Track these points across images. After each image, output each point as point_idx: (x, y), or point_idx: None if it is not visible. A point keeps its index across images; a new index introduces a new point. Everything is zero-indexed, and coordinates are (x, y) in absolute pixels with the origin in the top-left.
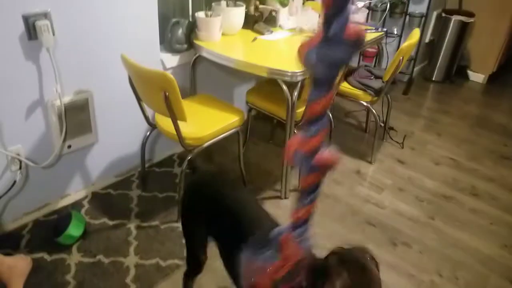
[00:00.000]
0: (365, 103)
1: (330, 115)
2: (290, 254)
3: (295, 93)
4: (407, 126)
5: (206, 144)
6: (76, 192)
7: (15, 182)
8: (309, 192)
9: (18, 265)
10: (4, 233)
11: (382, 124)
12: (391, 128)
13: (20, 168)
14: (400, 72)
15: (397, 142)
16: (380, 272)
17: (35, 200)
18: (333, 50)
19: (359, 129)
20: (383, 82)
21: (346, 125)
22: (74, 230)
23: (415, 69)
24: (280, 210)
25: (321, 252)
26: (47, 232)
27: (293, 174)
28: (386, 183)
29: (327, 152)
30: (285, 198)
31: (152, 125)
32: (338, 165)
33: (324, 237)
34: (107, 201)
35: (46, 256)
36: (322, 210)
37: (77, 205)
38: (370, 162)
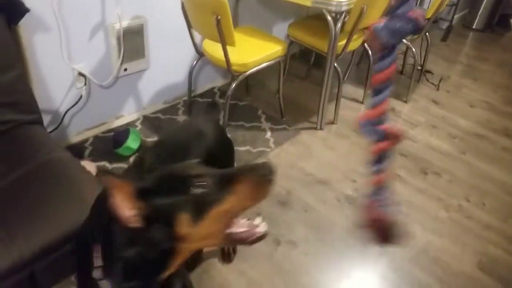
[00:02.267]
0: (405, 41)
1: (370, 52)
2: (375, 218)
3: (339, 24)
4: (443, 70)
5: (249, 72)
6: (129, 114)
7: (81, 97)
8: (380, 159)
9: (86, 167)
10: (70, 144)
11: (419, 67)
12: (428, 71)
13: (85, 84)
14: (440, 18)
15: (433, 84)
16: (409, 195)
17: (94, 118)
18: (398, 23)
19: (396, 71)
20: (425, 20)
21: None
22: (132, 142)
23: (456, 16)
24: (316, 138)
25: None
26: (107, 146)
27: (328, 109)
28: (419, 120)
29: (395, 126)
30: (321, 129)
31: (200, 53)
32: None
33: (358, 163)
34: (157, 124)
35: (107, 164)
36: (355, 141)
37: (130, 125)
38: (405, 101)
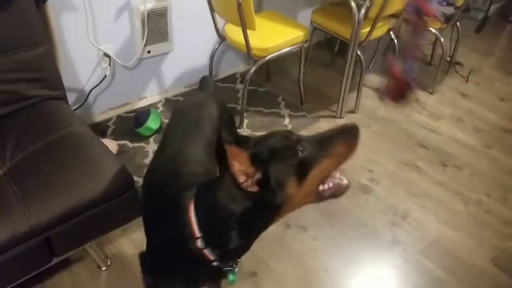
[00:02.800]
0: (434, 30)
1: (396, 42)
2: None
3: (362, 11)
4: (475, 63)
5: (270, 56)
6: (152, 95)
7: (105, 76)
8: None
9: (108, 144)
10: (94, 123)
11: (449, 58)
12: (458, 63)
13: (110, 65)
14: (474, 8)
15: (462, 76)
16: (426, 187)
17: (118, 98)
18: None
19: (423, 61)
20: (455, 8)
21: None
22: (152, 123)
23: (492, 7)
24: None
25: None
26: (129, 125)
27: (350, 97)
28: (445, 112)
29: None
30: (340, 117)
31: (222, 37)
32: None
33: (376, 153)
34: (178, 106)
35: (128, 143)
36: (375, 130)
37: (152, 107)
38: (431, 93)
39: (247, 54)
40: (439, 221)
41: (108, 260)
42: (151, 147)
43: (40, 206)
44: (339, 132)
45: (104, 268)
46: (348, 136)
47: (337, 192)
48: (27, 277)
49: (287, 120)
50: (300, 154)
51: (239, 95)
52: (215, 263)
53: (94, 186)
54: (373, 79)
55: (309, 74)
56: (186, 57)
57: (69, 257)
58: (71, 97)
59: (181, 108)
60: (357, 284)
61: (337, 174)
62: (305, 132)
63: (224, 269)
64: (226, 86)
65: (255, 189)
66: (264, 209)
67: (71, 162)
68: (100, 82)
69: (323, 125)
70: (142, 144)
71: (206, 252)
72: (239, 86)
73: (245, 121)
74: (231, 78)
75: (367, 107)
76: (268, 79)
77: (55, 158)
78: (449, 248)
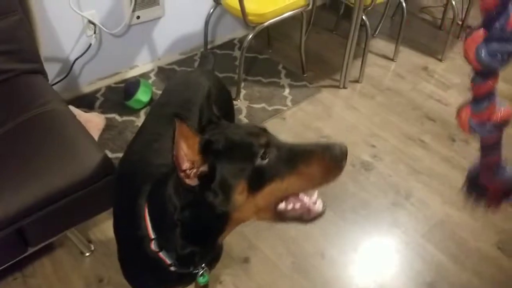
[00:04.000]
0: None
1: (404, 4)
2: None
3: None
4: None
5: (268, 23)
6: (143, 64)
7: (90, 45)
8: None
9: (94, 120)
10: (81, 94)
11: (460, 22)
12: (470, 27)
13: (95, 32)
14: None
15: None
16: (432, 163)
17: (107, 67)
18: (503, 45)
19: (433, 25)
20: None
21: (419, 21)
22: (142, 95)
23: None
24: (337, 98)
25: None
26: (118, 97)
27: (354, 65)
28: (454, 81)
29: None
30: (344, 87)
31: (216, 1)
32: None
33: (379, 127)
34: (171, 75)
35: (117, 117)
36: (380, 101)
37: (144, 76)
38: (440, 60)
39: (243, 20)
40: (444, 201)
41: (92, 245)
42: (142, 120)
43: (9, 195)
44: (321, 150)
45: (87, 254)
46: (330, 158)
47: (304, 216)
48: (1, 267)
49: (287, 91)
50: (259, 160)
51: (237, 63)
52: (172, 268)
53: (70, 171)
54: (380, 45)
55: (312, 39)
56: (179, 22)
57: (51, 243)
58: (54, 68)
59: (172, 85)
60: (355, 271)
61: (311, 197)
62: (306, 104)
63: (193, 272)
64: (223, 53)
65: (194, 182)
66: (207, 212)
67: (45, 145)
68: (85, 52)
69: (326, 96)
70: (132, 117)
71: (162, 255)
72: (237, 53)
73: (242, 92)
74: (229, 45)
75: (372, 76)
76: (268, 45)
77: (28, 140)
78: (453, 230)
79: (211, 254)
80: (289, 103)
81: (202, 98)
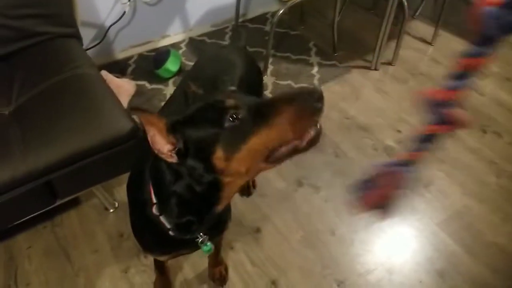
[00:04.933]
0: None
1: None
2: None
3: None
4: None
5: None
6: (175, 34)
7: (124, 12)
8: (426, 139)
9: (125, 85)
10: (114, 60)
11: None
12: None
13: (129, 0)
14: None
15: None
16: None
17: (140, 35)
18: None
19: (467, 3)
20: None
21: (464, 4)
22: (171, 65)
23: None
24: (367, 80)
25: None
26: (149, 65)
27: (389, 46)
28: (492, 70)
29: (461, 112)
30: (375, 69)
31: None
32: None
33: (408, 113)
34: (201, 47)
35: (147, 84)
36: (412, 86)
37: (175, 46)
38: None
39: None
40: (464, 192)
41: (116, 203)
42: (169, 90)
43: (40, 150)
44: (291, 96)
45: (111, 210)
46: (303, 101)
47: (298, 146)
48: (32, 215)
49: (315, 69)
50: (229, 122)
51: (268, 37)
52: (171, 233)
53: (97, 132)
54: (419, 28)
55: (347, 17)
56: None
57: (78, 197)
58: (89, 34)
59: (202, 59)
60: (363, 250)
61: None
62: (334, 84)
63: (196, 240)
64: (254, 27)
65: (174, 159)
66: (196, 183)
67: (75, 106)
68: (120, 19)
69: (355, 77)
70: (160, 86)
71: (162, 219)
72: (268, 27)
73: (270, 68)
74: (261, 19)
75: (406, 59)
76: (301, 21)
77: (59, 101)
78: (471, 222)
79: (209, 223)
80: (316, 82)
81: (230, 75)
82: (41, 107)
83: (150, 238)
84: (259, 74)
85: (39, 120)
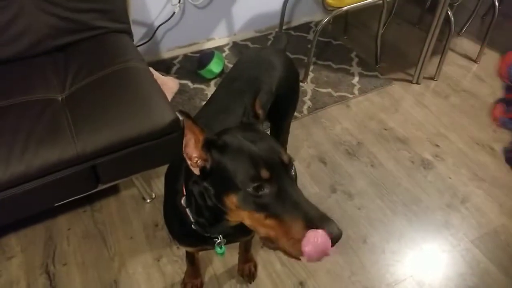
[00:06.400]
0: None
1: (497, 4)
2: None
3: None
4: None
5: (346, 8)
6: (220, 38)
7: (173, 13)
8: None
9: (169, 83)
10: (160, 59)
11: None
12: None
13: (179, 2)
14: None
15: None
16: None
17: (186, 36)
18: None
19: None
20: None
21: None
22: (214, 66)
23: None
24: (408, 93)
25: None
26: (193, 66)
27: (432, 62)
28: None
29: None
30: (417, 83)
31: None
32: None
33: (447, 128)
34: (244, 51)
35: (189, 84)
36: (453, 102)
37: (219, 49)
38: None
39: (321, 3)
40: (502, 212)
41: (153, 194)
42: (211, 90)
43: (88, 135)
44: (310, 219)
45: (148, 200)
46: (311, 230)
47: (287, 253)
48: (74, 198)
49: (356, 79)
50: (251, 189)
51: (310, 46)
52: (193, 226)
53: (142, 123)
54: (464, 45)
55: (392, 30)
56: (258, 1)
57: (118, 185)
58: (139, 31)
59: (243, 60)
60: (394, 261)
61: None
62: (374, 95)
63: (212, 238)
64: (297, 35)
65: (196, 171)
66: (208, 196)
67: (123, 97)
68: (169, 19)
69: (396, 90)
70: (202, 86)
71: (188, 212)
72: (311, 36)
73: (310, 75)
74: (305, 27)
75: (449, 75)
76: (345, 31)
77: (109, 91)
78: (507, 242)
79: (223, 231)
80: (356, 92)
81: (269, 77)
82: (92, 96)
83: (178, 227)
84: (297, 79)
85: (90, 107)
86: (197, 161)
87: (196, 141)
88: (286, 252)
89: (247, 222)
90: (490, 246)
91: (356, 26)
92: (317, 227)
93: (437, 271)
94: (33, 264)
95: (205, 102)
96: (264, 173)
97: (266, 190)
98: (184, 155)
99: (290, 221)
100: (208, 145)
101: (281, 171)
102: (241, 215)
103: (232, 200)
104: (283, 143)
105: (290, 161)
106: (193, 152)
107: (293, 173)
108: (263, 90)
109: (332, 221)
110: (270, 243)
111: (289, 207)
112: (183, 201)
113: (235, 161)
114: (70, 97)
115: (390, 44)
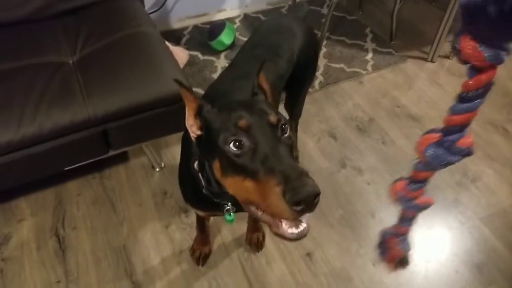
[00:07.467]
0: None
1: None
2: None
3: None
4: None
5: None
6: (231, 9)
7: None
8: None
9: (179, 54)
10: (170, 29)
11: None
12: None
13: None
14: None
15: None
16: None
17: (197, 7)
18: (446, 155)
19: None
20: None
21: None
22: (225, 38)
23: None
24: (422, 71)
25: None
26: (203, 37)
27: (448, 40)
28: None
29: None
30: (431, 61)
31: None
32: None
33: None
34: (255, 24)
35: (199, 55)
36: None
37: (230, 21)
38: None
39: None
40: None
41: (163, 163)
42: (221, 62)
43: (99, 99)
44: (286, 176)
45: (157, 169)
46: (282, 194)
47: (272, 227)
48: (85, 162)
49: (369, 55)
50: (231, 147)
51: (324, 20)
52: (204, 191)
53: (154, 88)
54: None
55: (408, 7)
56: None
57: (127, 153)
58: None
59: (264, 27)
60: None
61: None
62: (387, 71)
63: (224, 206)
64: (311, 9)
65: (193, 134)
66: (206, 159)
67: (135, 61)
68: None
69: (410, 67)
70: (212, 58)
71: (200, 176)
72: (325, 10)
73: (323, 50)
74: (319, 1)
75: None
76: (360, 6)
77: (121, 55)
78: None
79: (230, 198)
80: (369, 68)
81: (291, 45)
82: (103, 59)
83: (190, 190)
84: (317, 49)
85: (101, 71)
86: (194, 132)
87: (191, 110)
88: (265, 221)
89: (231, 190)
90: (498, 225)
91: (372, 1)
92: (292, 186)
93: (445, 246)
94: (43, 227)
95: (223, 70)
96: (242, 123)
97: (245, 149)
98: (187, 126)
99: (265, 179)
100: (201, 113)
101: (264, 130)
102: (226, 184)
103: (216, 166)
104: (297, 116)
105: (279, 122)
106: (190, 122)
107: (285, 136)
108: (283, 58)
109: (309, 178)
110: (253, 210)
111: (266, 166)
112: (195, 165)
113: (219, 122)
114: (81, 61)
115: (406, 21)
